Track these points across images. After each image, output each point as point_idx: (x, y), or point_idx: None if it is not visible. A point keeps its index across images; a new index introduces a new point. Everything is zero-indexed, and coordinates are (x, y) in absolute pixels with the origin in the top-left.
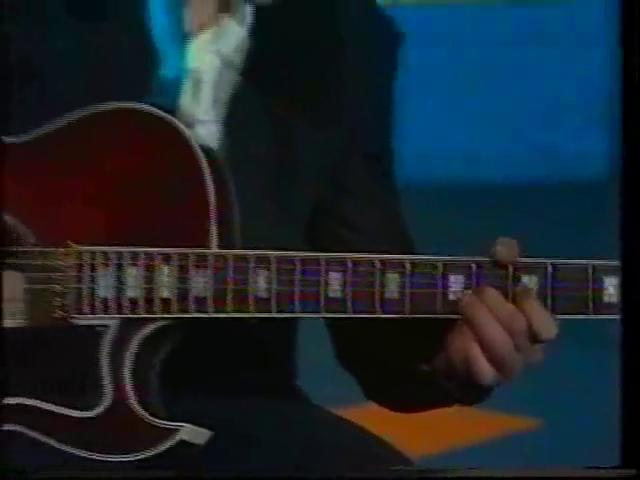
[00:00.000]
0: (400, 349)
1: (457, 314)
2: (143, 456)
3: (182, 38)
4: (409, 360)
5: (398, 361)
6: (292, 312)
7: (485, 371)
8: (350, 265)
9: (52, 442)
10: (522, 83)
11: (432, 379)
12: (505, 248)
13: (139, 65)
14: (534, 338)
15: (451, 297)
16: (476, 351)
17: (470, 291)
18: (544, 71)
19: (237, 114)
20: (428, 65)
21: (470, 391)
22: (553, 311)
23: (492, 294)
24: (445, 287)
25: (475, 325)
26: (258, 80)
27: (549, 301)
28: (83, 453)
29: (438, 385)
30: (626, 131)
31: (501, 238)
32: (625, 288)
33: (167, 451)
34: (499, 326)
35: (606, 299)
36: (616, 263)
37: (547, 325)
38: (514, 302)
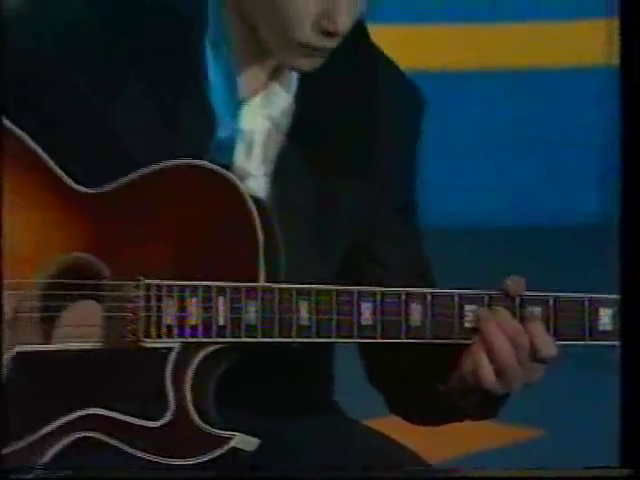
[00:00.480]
0: (420, 371)
1: (471, 340)
2: (200, 460)
3: (236, 103)
4: (428, 380)
5: (418, 381)
6: (329, 338)
7: (489, 376)
8: (379, 297)
9: (123, 447)
10: (525, 139)
11: (447, 397)
12: (513, 283)
13: (200, 127)
14: (535, 355)
15: (466, 325)
16: (483, 358)
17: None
18: (543, 129)
19: (283, 169)
20: (445, 123)
21: (480, 407)
22: (555, 337)
23: (503, 312)
24: (461, 316)
25: (485, 335)
26: (302, 140)
27: (551, 328)
28: (149, 457)
29: (452, 403)
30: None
31: (511, 276)
32: (624, 313)
33: (220, 457)
34: (506, 339)
35: (601, 328)
36: (609, 296)
37: (547, 344)
38: (521, 323)
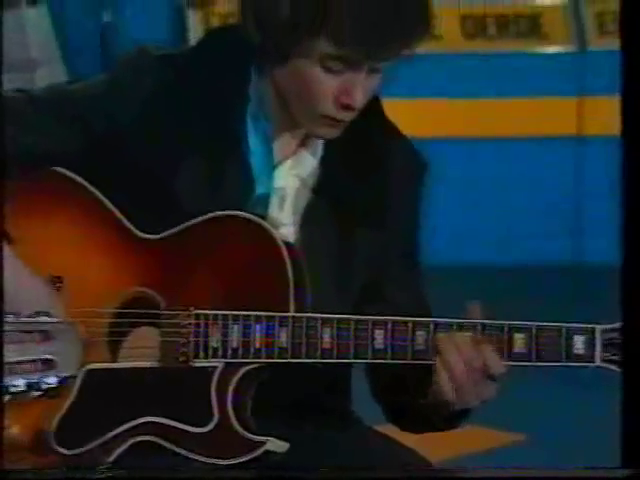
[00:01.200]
0: (408, 388)
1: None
2: (239, 461)
3: (272, 166)
4: (413, 396)
5: (406, 397)
6: (347, 359)
7: (447, 388)
8: (390, 325)
9: (175, 448)
10: (511, 193)
11: (425, 411)
12: (474, 307)
13: (241, 184)
14: (487, 372)
15: (418, 347)
16: (443, 375)
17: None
18: (527, 185)
19: (310, 220)
20: (448, 181)
21: (446, 420)
22: (537, 359)
23: (460, 337)
24: (413, 342)
25: (443, 355)
26: (325, 195)
27: (533, 352)
28: (198, 457)
29: (428, 416)
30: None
31: (472, 302)
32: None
33: (256, 458)
34: (460, 360)
35: (575, 352)
36: (582, 325)
37: (496, 363)
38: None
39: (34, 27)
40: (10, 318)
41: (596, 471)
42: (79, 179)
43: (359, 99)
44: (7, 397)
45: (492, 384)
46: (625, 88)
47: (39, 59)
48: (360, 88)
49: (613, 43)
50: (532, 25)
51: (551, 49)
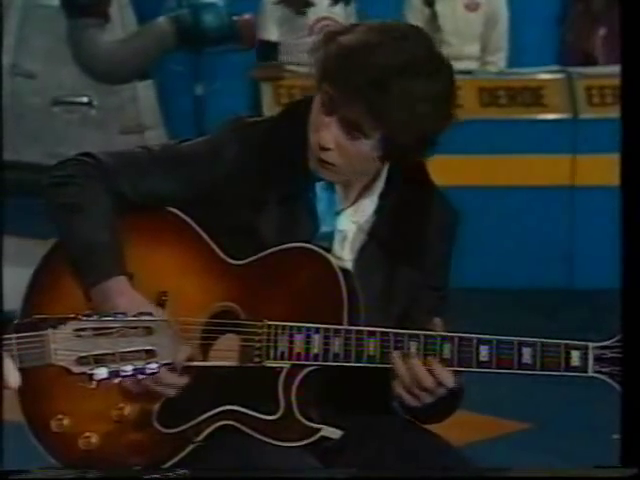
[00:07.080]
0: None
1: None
2: (300, 444)
3: (334, 210)
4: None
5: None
6: (388, 364)
7: (400, 392)
8: (423, 338)
9: (250, 432)
10: (510, 229)
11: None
12: (439, 323)
13: (309, 224)
14: (438, 383)
15: (445, 356)
16: (397, 383)
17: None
18: (522, 224)
19: (364, 256)
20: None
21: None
22: (541, 369)
23: (411, 357)
24: (441, 351)
25: (395, 369)
26: (376, 238)
27: (538, 362)
28: (268, 440)
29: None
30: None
31: (436, 318)
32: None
33: (314, 442)
34: (408, 374)
35: (572, 363)
36: (578, 342)
37: (445, 377)
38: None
39: (144, 98)
40: (120, 317)
41: (596, 471)
42: (184, 216)
43: (327, 141)
44: (118, 379)
45: (442, 389)
46: (623, 146)
47: (147, 124)
48: (327, 131)
49: (598, 112)
50: (535, 96)
51: (550, 116)
